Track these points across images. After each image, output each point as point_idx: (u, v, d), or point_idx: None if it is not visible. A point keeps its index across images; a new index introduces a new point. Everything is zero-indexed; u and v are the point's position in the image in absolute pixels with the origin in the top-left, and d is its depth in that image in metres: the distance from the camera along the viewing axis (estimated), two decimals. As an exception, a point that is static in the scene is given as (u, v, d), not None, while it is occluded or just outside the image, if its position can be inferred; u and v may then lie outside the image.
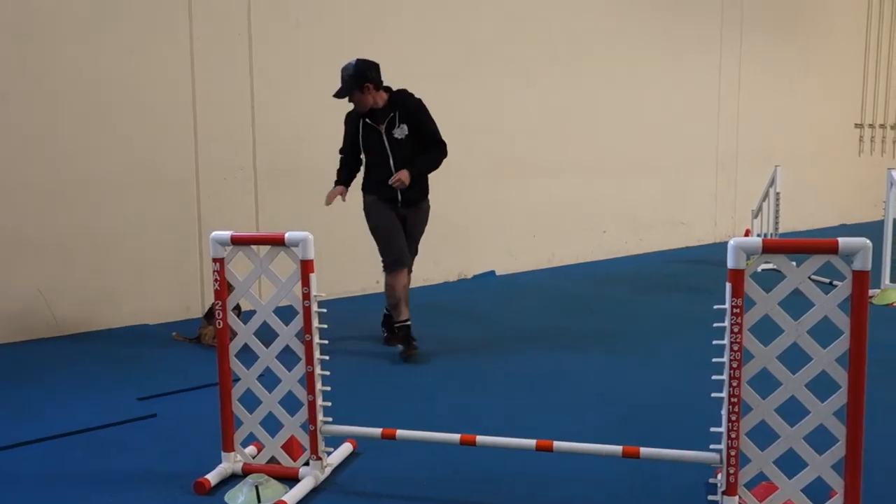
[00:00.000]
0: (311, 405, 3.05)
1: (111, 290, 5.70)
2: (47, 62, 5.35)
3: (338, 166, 5.08)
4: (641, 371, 4.58)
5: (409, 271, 5.07)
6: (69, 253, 5.52)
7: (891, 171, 6.62)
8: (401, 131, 4.79)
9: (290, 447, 3.18)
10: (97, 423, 3.72)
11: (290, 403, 3.10)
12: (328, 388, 3.12)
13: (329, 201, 4.92)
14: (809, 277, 2.58)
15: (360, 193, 5.02)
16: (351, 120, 4.96)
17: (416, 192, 4.91)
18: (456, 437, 3.06)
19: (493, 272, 7.86)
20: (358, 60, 4.72)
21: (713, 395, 2.74)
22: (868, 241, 2.48)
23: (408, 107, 4.80)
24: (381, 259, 4.96)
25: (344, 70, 4.72)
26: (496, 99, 7.67)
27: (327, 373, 3.09)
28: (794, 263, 2.61)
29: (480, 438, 3.04)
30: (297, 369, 3.09)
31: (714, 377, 2.73)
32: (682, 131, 9.69)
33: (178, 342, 5.23)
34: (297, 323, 3.04)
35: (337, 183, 5.03)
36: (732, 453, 2.66)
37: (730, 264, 2.58)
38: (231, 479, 3.10)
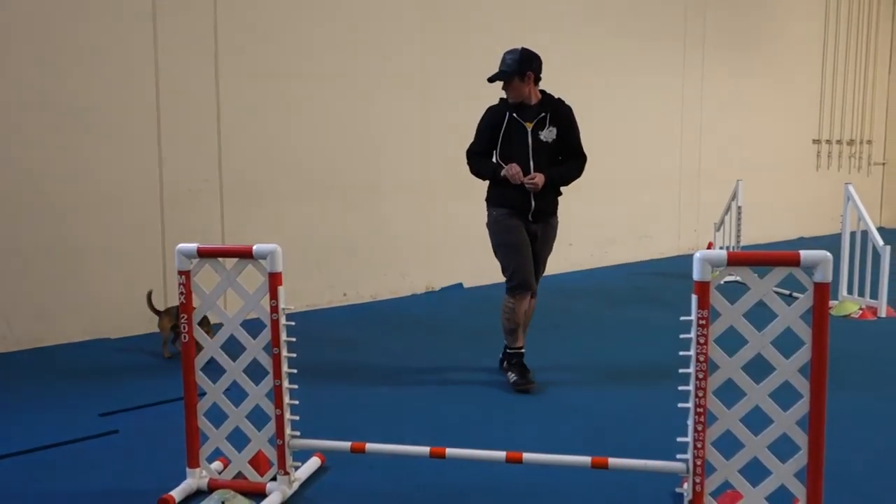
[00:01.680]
0: (279, 419, 3.03)
1: (70, 304, 5.59)
2: (6, 75, 5.26)
3: (475, 168, 4.54)
4: (609, 382, 4.61)
5: (534, 295, 4.65)
6: (26, 265, 5.41)
7: (847, 186, 6.78)
8: (549, 134, 4.40)
9: (258, 462, 3.15)
10: (57, 440, 3.65)
11: (257, 418, 3.07)
12: (296, 402, 3.10)
13: (518, 177, 4.31)
14: (773, 289, 2.63)
15: (489, 206, 4.59)
16: (494, 114, 4.48)
17: (550, 203, 4.52)
18: (426, 449, 3.06)
19: (460, 284, 7.87)
20: (524, 48, 4.40)
21: (680, 405, 2.78)
22: (829, 254, 2.54)
23: (561, 111, 4.46)
24: (505, 280, 4.52)
25: (509, 54, 4.39)
26: (462, 114, 7.70)
27: (295, 386, 3.07)
28: (757, 276, 2.66)
29: (450, 451, 3.04)
30: (264, 383, 3.06)
31: (680, 388, 2.77)
32: (646, 147, 9.83)
33: (163, 348, 5.16)
34: (265, 336, 3.01)
35: (496, 169, 4.41)
36: (699, 462, 2.69)
37: (696, 276, 2.63)
38: (196, 496, 3.05)
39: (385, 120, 7.22)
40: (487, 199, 4.60)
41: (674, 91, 10.22)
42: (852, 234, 6.77)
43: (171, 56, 5.88)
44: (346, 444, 3.12)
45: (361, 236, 7.12)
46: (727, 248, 7.94)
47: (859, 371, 4.78)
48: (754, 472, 2.70)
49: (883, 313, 6.40)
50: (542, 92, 4.50)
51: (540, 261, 4.60)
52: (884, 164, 14.64)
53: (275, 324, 2.98)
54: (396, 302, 7.19)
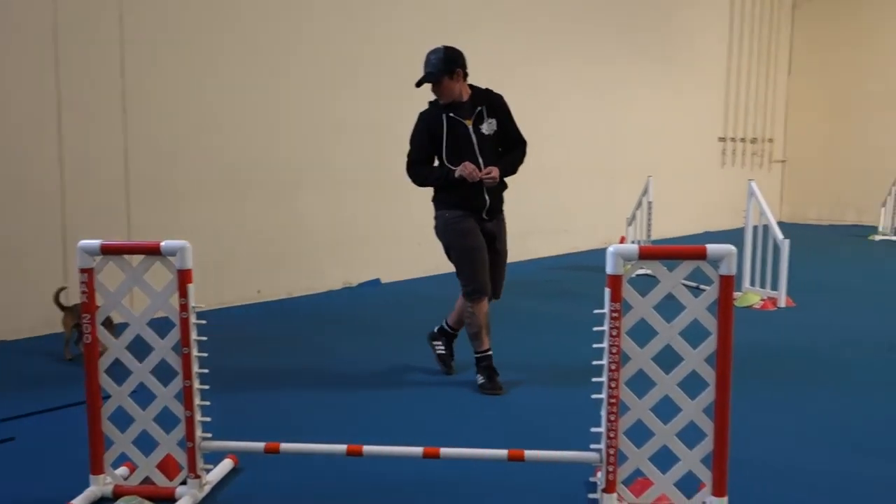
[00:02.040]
0: (189, 421, 2.93)
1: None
2: None
3: (420, 178, 4.42)
4: (525, 375, 4.66)
5: (497, 296, 4.54)
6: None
7: (750, 182, 7.06)
8: (489, 126, 4.31)
9: (166, 466, 3.04)
10: (-50, 449, 3.45)
11: (166, 420, 2.97)
12: (207, 403, 3.01)
13: (476, 174, 4.20)
14: (681, 282, 2.70)
15: (438, 209, 4.45)
16: (429, 118, 4.34)
17: (501, 198, 4.44)
18: (342, 447, 3.02)
19: (378, 280, 7.83)
20: (446, 46, 4.29)
21: (593, 396, 2.83)
22: (733, 248, 2.63)
23: (494, 101, 4.36)
24: (461, 285, 4.40)
25: (432, 54, 4.27)
26: (378, 108, 7.66)
27: (206, 387, 2.98)
28: (666, 269, 2.73)
29: (367, 448, 3.01)
30: (173, 384, 2.96)
31: (594, 379, 2.82)
32: (563, 143, 9.99)
33: (65, 349, 4.93)
34: (174, 336, 2.91)
35: (446, 173, 4.27)
36: (611, 452, 2.75)
37: (608, 270, 2.67)
38: (101, 503, 2.93)
39: (297, 115, 7.10)
40: (436, 202, 4.45)
41: (591, 92, 10.43)
42: (755, 229, 7.04)
43: (73, 51, 5.62)
44: (260, 445, 3.05)
45: (275, 232, 6.99)
46: (638, 242, 8.16)
47: (761, 359, 4.98)
48: (664, 459, 2.77)
49: (782, 304, 6.68)
50: (470, 86, 4.41)
51: (500, 257, 4.51)
52: (783, 161, 15.33)
53: (184, 323, 2.89)
54: (313, 299, 7.09)
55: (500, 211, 4.48)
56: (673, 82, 12.06)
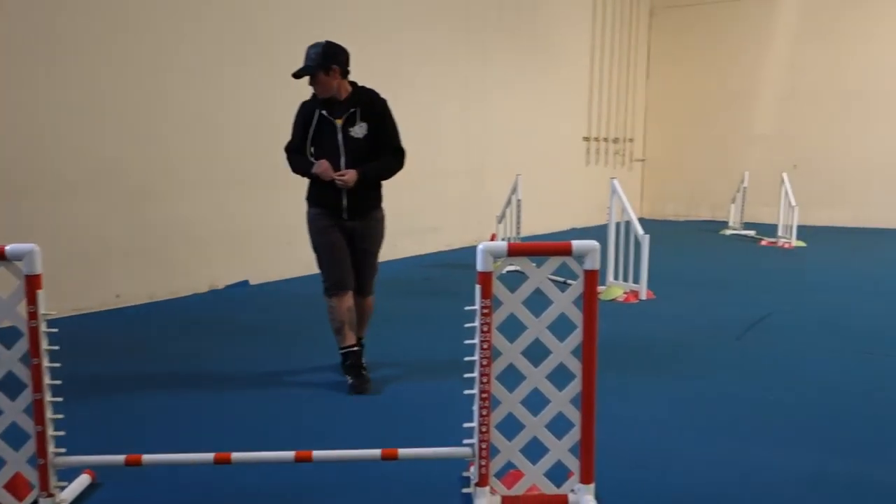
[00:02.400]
0: (40, 436, 2.75)
1: None
2: None
3: (293, 165, 4.38)
4: (399, 374, 4.66)
5: (369, 293, 4.56)
6: None
7: (613, 181, 7.35)
8: (360, 130, 4.29)
9: (15, 485, 2.83)
10: None
11: (14, 436, 2.77)
12: (61, 417, 2.83)
13: (329, 174, 4.22)
14: (548, 277, 2.77)
15: (307, 205, 4.39)
16: (305, 110, 4.36)
17: (364, 200, 4.38)
18: (209, 456, 2.91)
19: (246, 282, 7.62)
20: (328, 41, 4.24)
21: (465, 391, 2.85)
22: (596, 243, 2.72)
23: (372, 105, 4.33)
24: (322, 281, 4.41)
25: (312, 48, 4.23)
26: (248, 106, 7.46)
27: (59, 399, 2.80)
28: (534, 265, 2.79)
29: (236, 455, 2.91)
30: (22, 398, 2.76)
31: (466, 375, 2.84)
32: (432, 142, 10.05)
33: None
34: (22, 346, 2.72)
35: (313, 164, 4.27)
36: (484, 446, 2.78)
37: (479, 267, 2.71)
38: (-59, 529, 2.71)
39: (160, 116, 6.79)
40: (307, 197, 4.46)
41: (459, 93, 10.55)
42: (617, 225, 7.34)
43: None
44: (120, 458, 2.89)
45: (134, 233, 6.66)
46: (508, 239, 8.33)
47: (626, 350, 5.19)
48: (534, 450, 2.83)
49: (644, 296, 7.00)
50: (354, 85, 4.38)
51: (365, 257, 4.49)
52: (643, 160, 16.10)
53: (33, 332, 2.70)
54: (176, 302, 6.82)
55: (370, 211, 4.45)
56: (540, 85, 12.41)
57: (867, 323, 6.03)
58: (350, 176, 4.23)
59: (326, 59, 4.20)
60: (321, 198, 4.35)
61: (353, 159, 4.29)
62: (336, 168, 4.26)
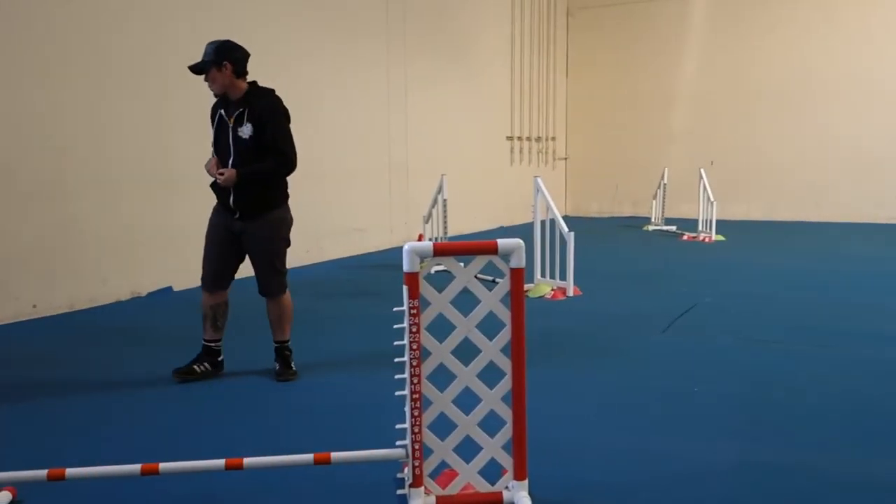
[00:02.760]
0: (-45, 455, 2.63)
1: None
2: None
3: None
4: (328, 377, 4.63)
5: (274, 294, 4.57)
6: None
7: (537, 179, 7.46)
8: (246, 130, 4.30)
9: (-71, 507, 2.71)
10: None
11: (-75, 456, 2.65)
12: (-24, 433, 2.72)
13: (213, 171, 4.38)
14: (476, 276, 2.80)
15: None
16: (212, 109, 4.50)
17: (250, 201, 4.37)
18: (136, 467, 2.84)
19: (170, 288, 7.43)
20: (227, 40, 4.34)
21: (397, 393, 2.86)
22: (521, 242, 2.77)
23: (261, 106, 4.32)
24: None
25: (210, 45, 4.30)
26: (161, 107, 7.28)
27: (-26, 415, 2.69)
28: (462, 264, 2.82)
29: (164, 466, 2.85)
30: (-67, 415, 2.64)
31: (397, 376, 2.85)
32: (354, 143, 10.02)
33: None
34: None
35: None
36: (417, 447, 2.80)
37: (405, 268, 2.72)
38: None
39: (71, 113, 6.57)
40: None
41: (379, 91, 10.53)
42: (543, 223, 7.46)
43: None
44: (42, 473, 2.80)
45: (50, 240, 6.41)
46: (435, 239, 8.37)
47: (555, 346, 5.28)
48: (467, 449, 2.86)
49: (571, 293, 7.13)
50: (251, 85, 4.42)
51: (257, 258, 4.51)
52: (566, 158, 16.38)
53: (-56, 346, 2.59)
54: (97, 311, 6.61)
55: (259, 212, 4.44)
56: (461, 85, 12.49)
57: (789, 314, 6.28)
58: (229, 175, 4.29)
59: (219, 56, 4.29)
60: (217, 195, 4.49)
61: (240, 160, 4.35)
62: (225, 167, 4.36)
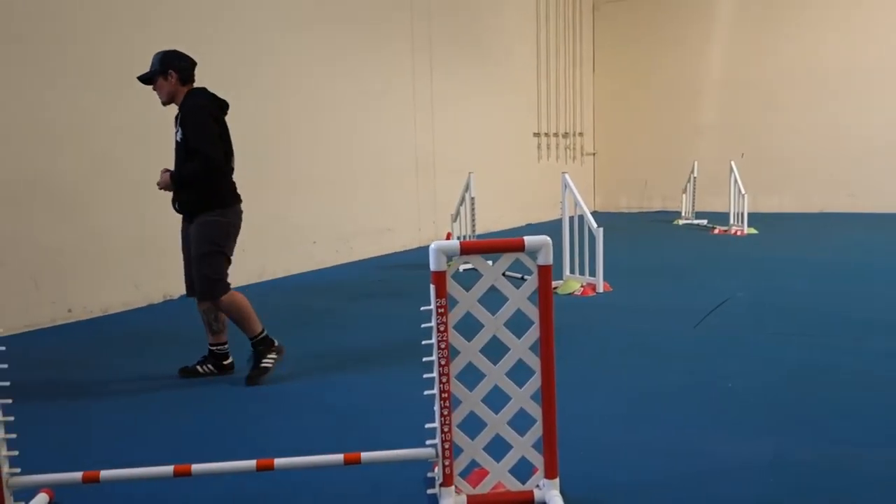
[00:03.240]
0: (-7, 458, 2.68)
1: None
2: None
3: None
4: (357, 376, 4.64)
5: (204, 297, 4.55)
6: None
7: (564, 175, 7.41)
8: (179, 134, 4.44)
9: (-31, 509, 2.77)
10: None
11: (-35, 459, 2.70)
12: (13, 436, 2.76)
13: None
14: (504, 274, 2.79)
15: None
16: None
17: (185, 203, 4.50)
18: (169, 469, 2.87)
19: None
20: (173, 49, 4.47)
21: (426, 392, 2.86)
22: (549, 238, 2.75)
23: (184, 108, 4.44)
24: None
25: (155, 55, 4.43)
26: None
27: (11, 418, 2.74)
28: (489, 262, 2.81)
29: (196, 467, 2.87)
30: (-29, 419, 2.69)
31: (425, 375, 2.85)
32: (382, 143, 10.05)
33: None
34: (-31, 366, 2.65)
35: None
36: (447, 446, 2.79)
37: (432, 267, 2.71)
38: None
39: (104, 121, 6.66)
40: None
41: (405, 90, 10.54)
42: (571, 219, 7.41)
43: None
44: (77, 475, 2.83)
45: (84, 246, 6.52)
46: (463, 237, 8.35)
47: (584, 343, 5.24)
48: (497, 448, 2.85)
49: (600, 289, 7.08)
50: (195, 90, 4.52)
51: (195, 259, 4.50)
52: (594, 154, 16.27)
53: (-20, 351, 2.63)
54: (131, 314, 6.70)
55: (194, 215, 4.48)
56: (487, 82, 12.46)
57: (824, 307, 6.17)
58: (162, 178, 4.46)
59: (164, 65, 4.41)
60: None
61: (178, 163, 4.48)
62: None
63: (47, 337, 5.93)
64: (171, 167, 4.49)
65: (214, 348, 4.71)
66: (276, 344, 4.64)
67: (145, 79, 4.47)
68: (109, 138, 6.72)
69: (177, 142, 4.46)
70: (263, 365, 4.56)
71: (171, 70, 4.40)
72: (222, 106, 4.54)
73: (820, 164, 13.99)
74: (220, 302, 4.52)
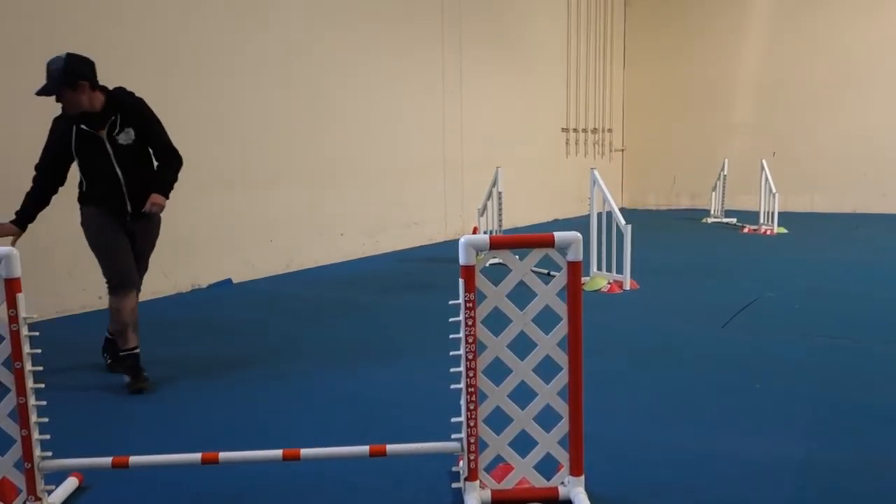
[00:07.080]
0: (26, 440, 2.73)
1: None
2: None
3: (29, 189, 4.27)
4: (383, 369, 4.66)
5: (138, 291, 4.49)
6: None
7: (593, 171, 7.37)
8: (126, 136, 4.20)
9: (2, 490, 2.82)
10: None
11: (-1, 441, 2.75)
12: (46, 420, 2.81)
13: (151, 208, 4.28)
14: (532, 269, 2.78)
15: (81, 205, 4.37)
16: (58, 127, 4.21)
17: (143, 203, 4.32)
18: (197, 456, 2.90)
19: (229, 280, 7.58)
20: (69, 54, 4.05)
21: (452, 386, 2.86)
22: (579, 235, 2.73)
23: (132, 107, 4.24)
24: (104, 280, 4.39)
25: (51, 64, 4.03)
26: (228, 106, 7.40)
27: (43, 403, 2.78)
28: (517, 258, 2.80)
29: (224, 455, 2.90)
30: (5, 402, 2.74)
31: (452, 370, 2.85)
32: (410, 137, 10.06)
33: None
34: (4, 349, 2.69)
35: (14, 220, 4.21)
36: (472, 440, 2.79)
37: (461, 261, 2.71)
38: (-74, 538, 2.68)
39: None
40: (80, 199, 4.37)
41: (434, 84, 10.54)
42: (599, 215, 7.36)
43: None
44: (107, 460, 2.87)
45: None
46: (490, 231, 8.34)
47: (611, 340, 5.21)
48: (523, 443, 2.84)
49: (628, 286, 7.03)
50: (107, 91, 4.24)
51: (141, 255, 4.50)
52: (623, 150, 16.15)
53: (15, 335, 2.68)
54: (159, 303, 6.77)
55: (152, 213, 4.39)
56: (517, 77, 12.41)
57: (854, 309, 6.09)
58: (160, 200, 4.28)
59: (69, 77, 4.03)
60: (104, 200, 4.29)
61: (128, 168, 4.26)
62: (113, 180, 4.23)
63: (78, 323, 6.02)
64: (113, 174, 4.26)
65: (127, 352, 4.42)
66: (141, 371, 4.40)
67: (49, 93, 4.07)
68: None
69: (122, 145, 4.22)
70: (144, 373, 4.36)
71: (81, 80, 4.05)
72: None
73: (853, 164, 13.78)
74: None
